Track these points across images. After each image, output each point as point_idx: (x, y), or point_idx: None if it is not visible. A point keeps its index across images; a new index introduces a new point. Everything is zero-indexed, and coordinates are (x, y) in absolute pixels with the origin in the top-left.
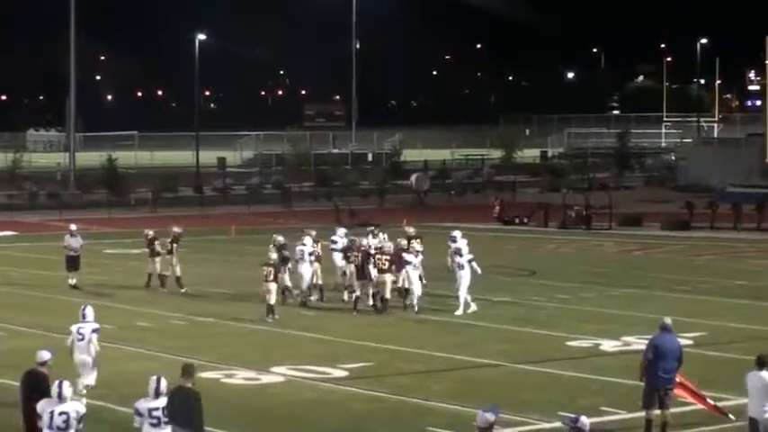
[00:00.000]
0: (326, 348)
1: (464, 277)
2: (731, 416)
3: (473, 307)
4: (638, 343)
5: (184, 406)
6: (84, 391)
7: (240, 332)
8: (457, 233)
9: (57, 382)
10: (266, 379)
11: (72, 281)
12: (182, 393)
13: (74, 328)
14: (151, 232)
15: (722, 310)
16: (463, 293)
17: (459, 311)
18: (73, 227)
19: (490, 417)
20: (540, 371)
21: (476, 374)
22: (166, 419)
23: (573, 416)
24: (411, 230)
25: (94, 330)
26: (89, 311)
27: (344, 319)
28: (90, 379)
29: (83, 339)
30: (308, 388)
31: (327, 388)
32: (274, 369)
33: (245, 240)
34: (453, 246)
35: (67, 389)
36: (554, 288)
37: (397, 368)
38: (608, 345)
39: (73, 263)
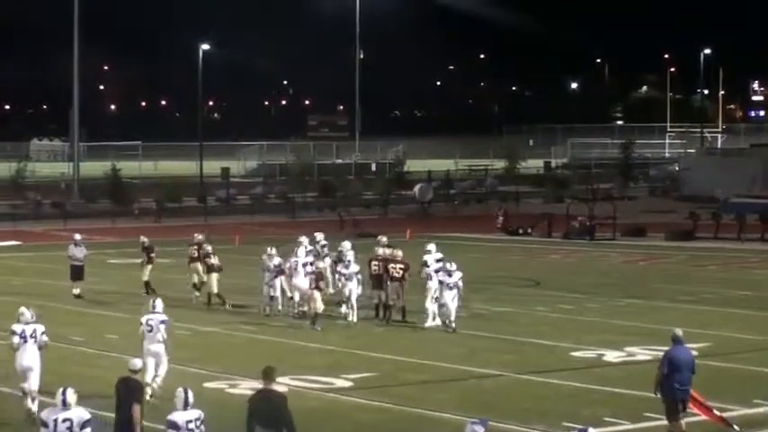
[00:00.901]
0: (330, 358)
1: (430, 288)
2: (736, 427)
3: (433, 321)
4: (642, 353)
5: (272, 409)
6: (159, 383)
7: (244, 342)
8: (432, 246)
9: (60, 390)
10: None
11: (76, 290)
12: (268, 396)
13: (143, 319)
14: (146, 240)
15: (726, 320)
16: (430, 305)
17: (428, 323)
18: (77, 236)
19: (479, 429)
20: (543, 381)
21: (479, 385)
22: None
23: (580, 427)
24: (384, 239)
25: (162, 322)
26: (158, 303)
27: (347, 329)
28: (161, 369)
29: (152, 330)
30: (312, 398)
31: (331, 398)
32: (278, 379)
33: (249, 251)
34: (424, 258)
35: (71, 396)
36: (558, 298)
37: (401, 378)
38: (612, 355)
39: (77, 272)
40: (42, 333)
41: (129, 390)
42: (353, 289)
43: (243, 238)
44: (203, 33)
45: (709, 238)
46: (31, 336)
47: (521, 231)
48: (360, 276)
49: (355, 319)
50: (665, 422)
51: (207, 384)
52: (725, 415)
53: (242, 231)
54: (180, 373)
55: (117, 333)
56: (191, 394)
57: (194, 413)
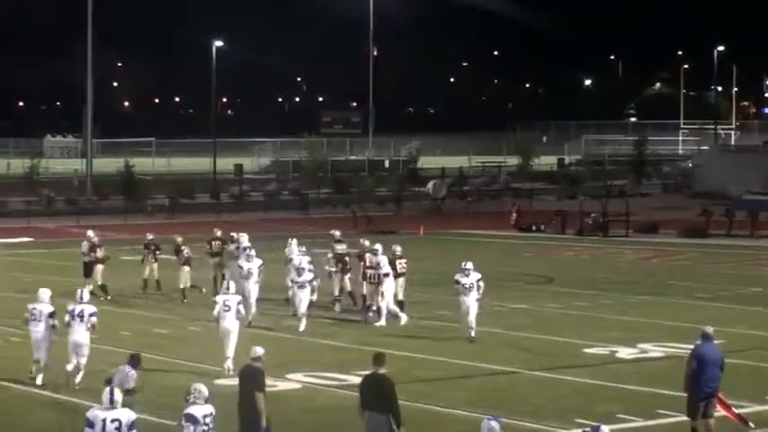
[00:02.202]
0: (342, 355)
1: (387, 290)
2: (751, 424)
3: (403, 318)
4: (655, 350)
5: (379, 392)
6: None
7: (256, 339)
8: (378, 246)
9: (107, 389)
10: (282, 386)
11: (89, 287)
12: (375, 379)
13: (219, 299)
14: (152, 236)
15: (739, 317)
16: (387, 304)
17: (382, 322)
18: (89, 233)
19: (495, 426)
20: (556, 378)
21: (493, 382)
22: (212, 427)
23: (593, 424)
24: (337, 233)
25: (239, 302)
26: (232, 285)
27: (359, 326)
28: (230, 349)
29: (229, 310)
30: (324, 395)
31: (344, 395)
32: (290, 376)
33: (262, 247)
34: (374, 259)
35: (119, 394)
36: (571, 295)
37: (414, 375)
38: (625, 352)
39: (89, 269)
40: (91, 315)
41: (251, 377)
42: (304, 299)
43: (256, 234)
44: (217, 30)
45: (722, 235)
46: (79, 315)
47: (534, 228)
48: (315, 283)
49: (302, 328)
50: (678, 419)
51: (218, 381)
52: (738, 411)
53: (255, 228)
54: (191, 370)
55: (130, 330)
56: (207, 390)
57: (209, 408)
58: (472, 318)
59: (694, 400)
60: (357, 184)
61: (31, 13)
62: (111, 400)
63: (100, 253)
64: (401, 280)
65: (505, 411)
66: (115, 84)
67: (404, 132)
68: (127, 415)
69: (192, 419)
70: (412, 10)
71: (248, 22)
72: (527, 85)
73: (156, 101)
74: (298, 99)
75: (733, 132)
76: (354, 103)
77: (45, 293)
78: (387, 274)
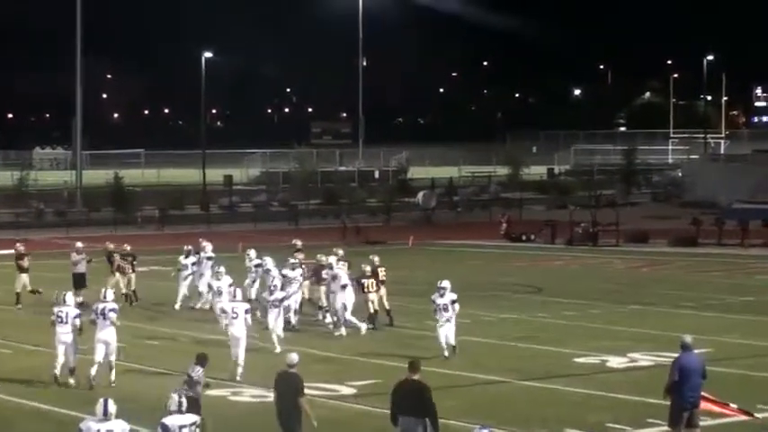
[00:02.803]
0: (333, 366)
1: (348, 300)
2: (756, 414)
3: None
4: (645, 359)
5: (414, 397)
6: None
7: (247, 349)
8: (333, 260)
9: (101, 400)
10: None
11: (78, 299)
12: (410, 385)
13: (228, 306)
14: (128, 247)
15: (728, 326)
16: (349, 316)
17: (342, 331)
18: (79, 245)
19: None
20: (547, 387)
21: (483, 391)
22: None
23: None
24: (299, 243)
25: (247, 311)
26: (239, 292)
27: (350, 336)
28: (240, 356)
29: (237, 317)
30: (316, 406)
31: (336, 405)
32: None
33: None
34: (330, 273)
35: (112, 406)
36: (561, 305)
37: None
38: (615, 361)
39: (79, 281)
40: (111, 311)
41: (289, 384)
42: (276, 319)
43: (245, 246)
44: (206, 41)
45: (712, 244)
46: (101, 313)
47: (524, 238)
48: (287, 303)
49: (279, 349)
50: (666, 428)
51: (209, 392)
52: (730, 421)
53: (245, 239)
54: (181, 381)
55: (120, 341)
56: (185, 399)
57: (190, 418)
58: (451, 337)
59: (678, 410)
60: (347, 195)
61: (20, 24)
62: (105, 412)
63: (26, 262)
64: (383, 288)
65: (496, 421)
66: (104, 95)
67: (393, 143)
68: (120, 426)
69: (165, 429)
70: (402, 20)
71: (238, 34)
72: (516, 95)
73: (146, 112)
74: (287, 110)
75: (722, 141)
76: (344, 114)
77: (70, 297)
78: (345, 286)
